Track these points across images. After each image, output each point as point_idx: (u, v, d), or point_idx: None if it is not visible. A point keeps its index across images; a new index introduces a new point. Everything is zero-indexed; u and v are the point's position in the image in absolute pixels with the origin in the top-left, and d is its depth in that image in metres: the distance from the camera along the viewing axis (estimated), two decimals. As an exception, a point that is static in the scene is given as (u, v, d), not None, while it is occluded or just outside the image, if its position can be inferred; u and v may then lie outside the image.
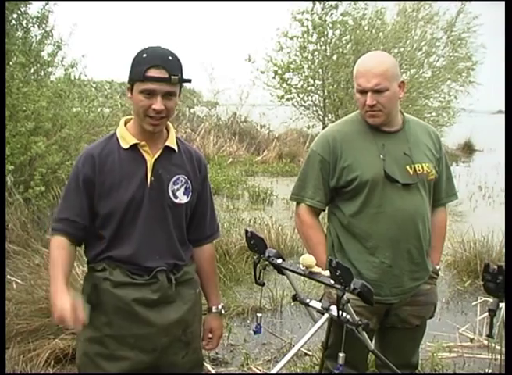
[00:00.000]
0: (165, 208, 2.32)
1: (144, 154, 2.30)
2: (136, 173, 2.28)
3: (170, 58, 2.21)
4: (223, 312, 2.61)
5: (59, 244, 2.29)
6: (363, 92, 2.61)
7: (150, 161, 2.29)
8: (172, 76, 2.18)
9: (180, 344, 2.38)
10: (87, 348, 2.32)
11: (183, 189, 2.36)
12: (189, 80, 2.27)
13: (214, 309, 2.56)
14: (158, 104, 2.19)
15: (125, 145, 2.29)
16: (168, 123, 2.40)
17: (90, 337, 2.31)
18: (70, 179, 2.34)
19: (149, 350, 2.30)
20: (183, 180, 2.36)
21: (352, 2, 16.79)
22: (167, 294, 2.32)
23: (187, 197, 2.37)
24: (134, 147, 2.29)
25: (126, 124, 2.37)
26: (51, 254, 2.31)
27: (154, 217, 2.30)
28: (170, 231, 2.35)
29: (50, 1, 7.16)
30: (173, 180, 2.33)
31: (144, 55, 2.20)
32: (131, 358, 2.28)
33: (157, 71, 2.16)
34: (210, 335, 2.56)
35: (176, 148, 2.37)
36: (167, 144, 2.34)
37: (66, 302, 2.12)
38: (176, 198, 2.34)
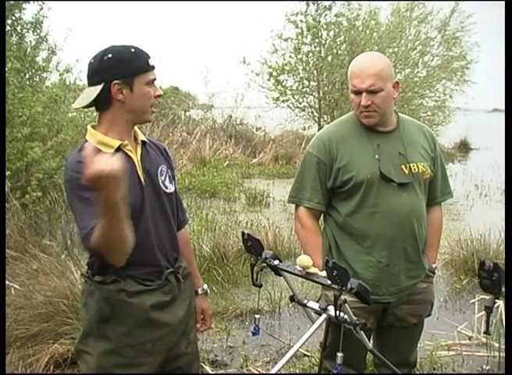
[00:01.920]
0: (162, 200, 2.33)
1: (129, 153, 2.27)
2: (130, 175, 2.22)
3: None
4: (208, 292, 2.65)
5: None
6: (357, 93, 2.62)
7: (136, 159, 2.28)
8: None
9: (183, 335, 2.40)
10: (103, 360, 2.25)
11: (168, 178, 2.37)
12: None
13: (200, 291, 2.59)
14: (158, 90, 2.25)
15: (109, 150, 2.19)
16: None
17: (106, 350, 2.24)
18: (81, 190, 2.06)
19: (164, 351, 2.31)
20: (165, 170, 2.37)
21: (346, 3, 16.82)
22: (175, 294, 2.34)
23: (173, 185, 2.40)
24: (118, 149, 2.23)
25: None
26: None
27: (156, 213, 2.30)
28: (170, 222, 2.38)
29: (44, 5, 7.17)
30: (159, 171, 2.34)
31: (132, 50, 2.20)
32: (150, 363, 2.27)
33: (151, 60, 2.23)
34: (202, 316, 2.60)
35: (146, 140, 2.37)
36: (142, 139, 2.34)
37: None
38: (166, 187, 2.35)
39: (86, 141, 2.25)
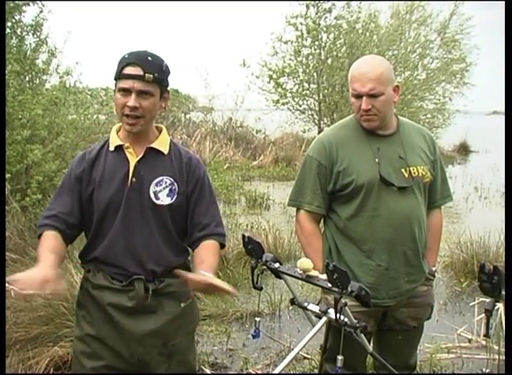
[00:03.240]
0: (145, 209, 2.31)
1: (128, 155, 2.32)
2: (116, 174, 2.29)
3: (149, 58, 2.24)
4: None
5: (48, 235, 2.28)
6: (358, 96, 2.62)
7: (133, 161, 2.31)
8: (147, 74, 2.20)
9: (161, 357, 2.35)
10: (75, 345, 2.39)
11: (166, 191, 2.34)
12: (162, 80, 2.29)
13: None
14: (131, 101, 2.20)
15: (111, 147, 2.34)
16: (162, 126, 2.43)
17: (77, 335, 2.38)
18: (63, 179, 2.40)
19: (126, 356, 2.30)
20: (168, 182, 2.34)
21: (345, 6, 16.83)
22: (144, 304, 2.29)
23: (171, 199, 2.34)
24: (119, 149, 2.32)
25: (119, 130, 2.40)
26: (40, 245, 2.25)
27: (132, 218, 2.30)
28: (152, 233, 2.33)
29: (44, 8, 7.17)
30: (156, 181, 2.32)
31: (126, 56, 2.24)
32: (108, 358, 2.30)
33: (132, 68, 2.20)
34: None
35: (163, 150, 2.37)
36: (152, 145, 2.34)
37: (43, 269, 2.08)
38: (158, 199, 2.32)
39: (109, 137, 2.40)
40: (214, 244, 2.47)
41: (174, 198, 2.35)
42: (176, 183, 2.35)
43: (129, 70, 2.20)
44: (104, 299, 2.28)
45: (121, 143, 2.31)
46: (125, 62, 2.22)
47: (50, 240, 2.26)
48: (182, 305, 2.40)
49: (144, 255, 2.31)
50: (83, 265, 2.42)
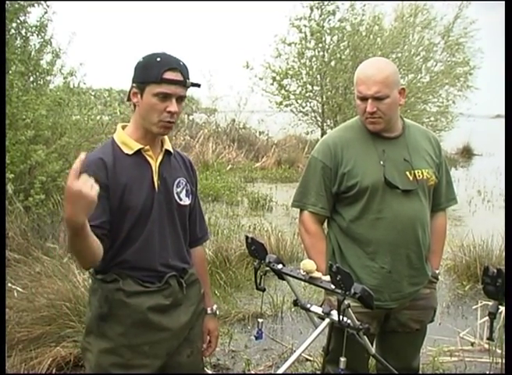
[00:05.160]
0: (173, 210, 2.34)
1: (148, 158, 2.30)
2: (143, 179, 2.27)
3: (181, 63, 2.23)
4: (217, 312, 2.63)
5: None
6: (363, 99, 2.62)
7: (154, 165, 2.30)
8: (187, 80, 2.22)
9: (185, 342, 2.39)
10: (101, 359, 2.27)
11: (184, 191, 2.39)
12: (198, 85, 2.29)
13: (209, 311, 2.57)
14: (173, 106, 2.19)
15: (129, 151, 2.27)
16: None
17: (104, 348, 2.26)
18: None
19: (163, 355, 2.31)
20: (184, 183, 2.39)
21: (349, 8, 16.84)
22: (177, 298, 2.34)
23: (189, 199, 2.40)
24: (138, 152, 2.28)
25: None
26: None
27: (163, 220, 2.31)
28: (178, 233, 2.38)
29: (49, 9, 7.19)
30: (176, 182, 2.36)
31: (158, 59, 2.19)
32: (148, 365, 2.28)
33: (173, 74, 2.18)
34: (208, 337, 2.57)
35: (172, 151, 2.40)
36: (166, 147, 2.36)
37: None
38: (181, 200, 2.37)
39: (112, 139, 2.33)
40: (203, 253, 2.68)
41: (191, 198, 2.42)
42: (188, 184, 2.42)
43: (171, 75, 2.17)
44: (144, 304, 2.25)
45: (141, 146, 2.27)
46: (165, 67, 2.17)
47: None
48: (202, 291, 2.49)
49: (174, 255, 2.35)
50: (101, 276, 2.28)
